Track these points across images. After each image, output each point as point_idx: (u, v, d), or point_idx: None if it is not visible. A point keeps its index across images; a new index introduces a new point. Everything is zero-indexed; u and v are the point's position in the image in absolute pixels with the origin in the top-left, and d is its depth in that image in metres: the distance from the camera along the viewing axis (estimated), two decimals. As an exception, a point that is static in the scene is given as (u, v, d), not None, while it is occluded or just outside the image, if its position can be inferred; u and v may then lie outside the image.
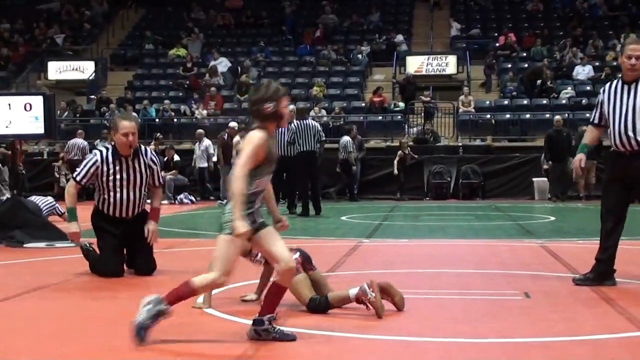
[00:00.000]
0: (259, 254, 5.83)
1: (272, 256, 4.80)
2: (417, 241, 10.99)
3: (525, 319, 5.48)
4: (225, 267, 4.71)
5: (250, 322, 4.80)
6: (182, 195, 20.50)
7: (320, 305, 5.61)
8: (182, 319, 5.52)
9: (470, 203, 20.03)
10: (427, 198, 21.38)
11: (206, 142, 21.17)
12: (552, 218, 15.19)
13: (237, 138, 19.62)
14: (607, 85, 7.11)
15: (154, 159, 7.75)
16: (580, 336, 4.90)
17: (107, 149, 7.56)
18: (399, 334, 4.97)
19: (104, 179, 7.44)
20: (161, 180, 7.86)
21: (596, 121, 7.09)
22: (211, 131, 22.34)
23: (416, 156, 21.19)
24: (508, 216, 15.61)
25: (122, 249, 7.58)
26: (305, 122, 15.41)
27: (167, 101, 25.89)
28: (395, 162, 20.92)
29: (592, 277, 6.92)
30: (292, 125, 15.39)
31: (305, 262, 5.77)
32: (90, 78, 28.88)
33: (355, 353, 4.62)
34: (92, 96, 27.49)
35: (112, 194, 7.46)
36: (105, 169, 7.43)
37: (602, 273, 6.93)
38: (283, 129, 15.78)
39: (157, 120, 25.16)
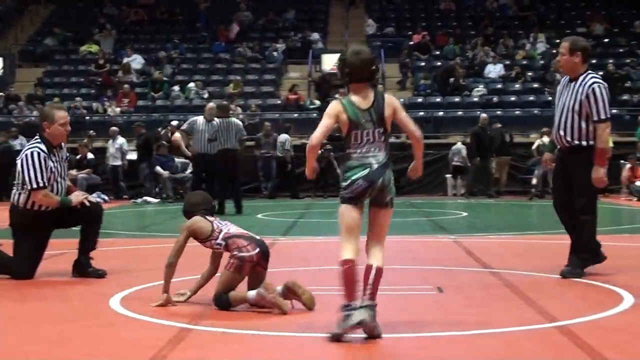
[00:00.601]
0: (220, 238, 5.73)
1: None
2: (333, 238, 11.01)
3: (439, 313, 5.55)
4: None
5: (163, 322, 4.73)
6: (94, 195, 20.07)
7: (222, 302, 5.62)
8: (96, 320, 5.43)
9: (385, 200, 20.15)
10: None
11: (120, 140, 20.87)
12: (465, 214, 15.45)
13: (177, 134, 19.44)
14: (563, 77, 7.26)
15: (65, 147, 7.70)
16: (491, 329, 4.98)
17: (39, 142, 7.29)
18: (314, 331, 4.97)
19: (48, 172, 7.21)
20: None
21: None
22: (124, 129, 22.02)
23: (329, 157, 21.09)
24: (422, 212, 15.80)
25: (40, 252, 7.37)
26: (227, 120, 15.35)
27: (78, 98, 25.39)
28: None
29: (580, 269, 7.09)
30: (214, 122, 15.32)
31: (261, 260, 5.69)
32: (-2, 74, 28.19)
33: (267, 350, 4.61)
34: (0, 93, 26.78)
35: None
36: (50, 163, 7.21)
37: (585, 260, 7.11)
38: (206, 125, 15.78)
39: (68, 118, 24.64)
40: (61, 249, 8.41)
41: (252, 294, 5.53)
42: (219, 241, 5.74)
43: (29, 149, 7.25)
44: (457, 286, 6.68)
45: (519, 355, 4.46)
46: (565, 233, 7.30)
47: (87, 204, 7.31)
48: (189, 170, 19.36)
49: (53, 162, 7.25)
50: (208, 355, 4.47)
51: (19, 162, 7.26)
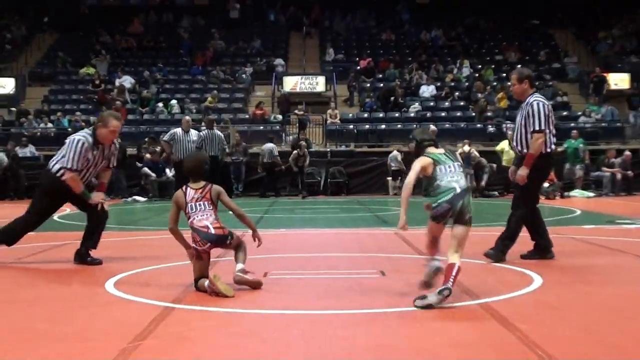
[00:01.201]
0: (188, 224, 5.63)
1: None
2: (293, 230, 11.00)
3: (382, 293, 5.55)
4: None
5: (150, 302, 4.66)
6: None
7: (196, 288, 5.58)
8: (93, 300, 5.35)
9: (337, 198, 20.21)
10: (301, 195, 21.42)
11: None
12: (404, 210, 15.45)
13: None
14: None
15: (117, 145, 7.54)
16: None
17: (90, 134, 7.16)
18: (274, 308, 4.95)
19: (83, 160, 7.10)
20: (115, 163, 7.53)
21: None
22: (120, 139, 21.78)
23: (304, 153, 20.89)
24: (368, 209, 15.81)
25: (49, 214, 7.32)
26: (212, 132, 15.44)
27: (78, 113, 25.11)
28: (291, 159, 20.80)
29: (536, 253, 7.27)
30: (202, 132, 15.38)
31: (217, 246, 5.65)
32: (11, 93, 27.76)
33: (237, 325, 4.57)
34: (13, 108, 26.45)
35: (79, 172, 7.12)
36: (89, 154, 7.10)
37: (543, 249, 7.27)
38: (190, 135, 15.68)
39: (69, 129, 24.36)
40: (63, 240, 8.28)
41: (206, 285, 5.48)
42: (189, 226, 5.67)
43: (79, 135, 7.18)
44: (397, 270, 6.69)
45: (449, 326, 4.47)
46: (492, 226, 7.33)
47: (99, 207, 7.21)
48: (171, 174, 19.23)
49: (93, 154, 7.14)
50: (187, 330, 4.42)
51: (67, 140, 7.18)
